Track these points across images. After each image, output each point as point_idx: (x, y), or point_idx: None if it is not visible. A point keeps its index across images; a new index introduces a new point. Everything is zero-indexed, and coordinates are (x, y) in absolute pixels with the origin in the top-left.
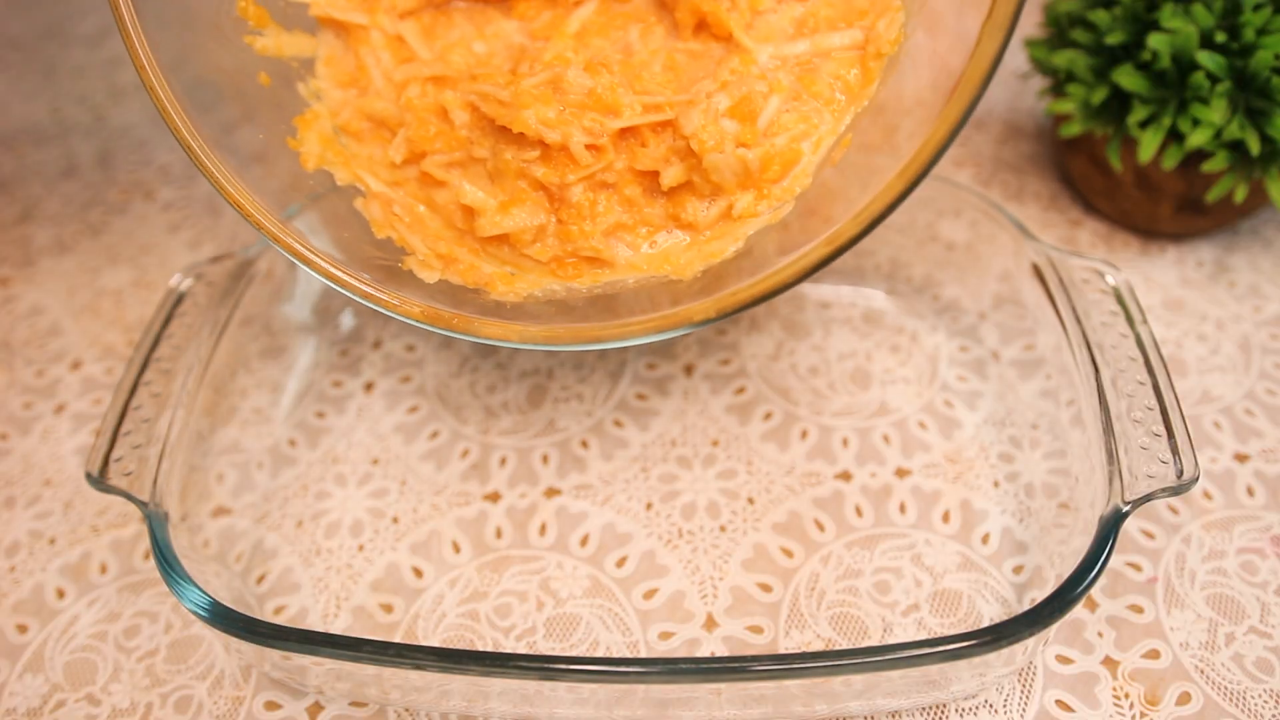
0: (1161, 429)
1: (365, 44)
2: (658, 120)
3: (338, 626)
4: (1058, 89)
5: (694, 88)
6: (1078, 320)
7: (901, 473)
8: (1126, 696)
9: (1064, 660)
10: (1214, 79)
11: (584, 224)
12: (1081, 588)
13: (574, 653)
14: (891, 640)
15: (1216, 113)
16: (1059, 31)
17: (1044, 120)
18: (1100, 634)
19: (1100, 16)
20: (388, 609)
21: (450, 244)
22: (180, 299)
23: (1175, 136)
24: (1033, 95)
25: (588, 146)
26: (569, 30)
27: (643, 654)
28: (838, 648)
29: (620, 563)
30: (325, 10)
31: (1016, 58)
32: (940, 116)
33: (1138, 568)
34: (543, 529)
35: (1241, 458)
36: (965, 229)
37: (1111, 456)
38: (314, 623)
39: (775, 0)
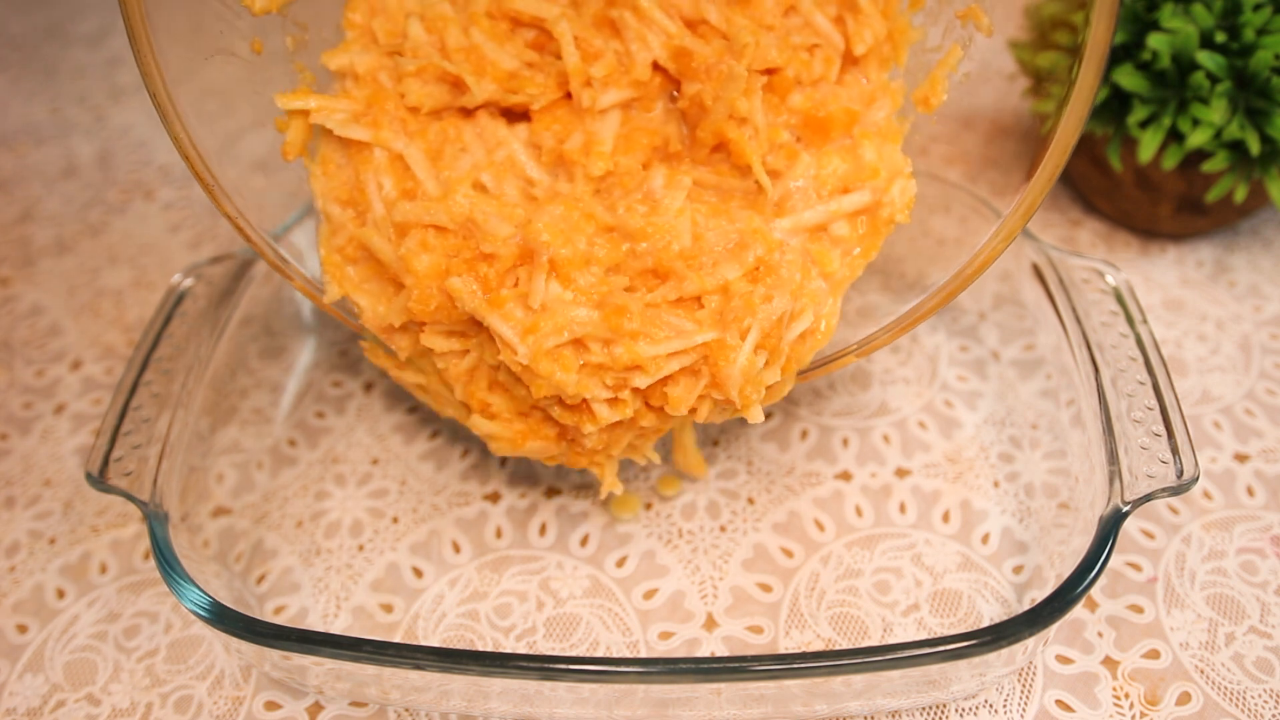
0: (1161, 429)
1: (367, 164)
2: (685, 366)
3: (338, 626)
4: (1040, 89)
5: (725, 292)
6: (1078, 320)
7: (901, 473)
8: (1126, 696)
9: (1064, 660)
10: (1214, 79)
11: (595, 457)
12: (1081, 588)
13: (574, 653)
14: (891, 640)
15: (1216, 113)
16: (1041, 33)
17: (1033, 121)
18: (1100, 634)
19: (1081, 19)
20: (388, 609)
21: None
22: (180, 299)
23: (1175, 136)
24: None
25: (607, 401)
26: (593, 172)
27: (643, 654)
28: (838, 648)
29: (620, 563)
30: (326, 123)
31: (1003, 58)
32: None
33: (1138, 568)
34: (543, 529)
35: (1241, 458)
36: (964, 227)
37: (1112, 456)
38: (314, 623)
39: (793, 139)
